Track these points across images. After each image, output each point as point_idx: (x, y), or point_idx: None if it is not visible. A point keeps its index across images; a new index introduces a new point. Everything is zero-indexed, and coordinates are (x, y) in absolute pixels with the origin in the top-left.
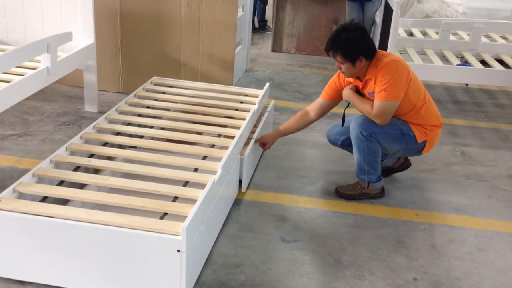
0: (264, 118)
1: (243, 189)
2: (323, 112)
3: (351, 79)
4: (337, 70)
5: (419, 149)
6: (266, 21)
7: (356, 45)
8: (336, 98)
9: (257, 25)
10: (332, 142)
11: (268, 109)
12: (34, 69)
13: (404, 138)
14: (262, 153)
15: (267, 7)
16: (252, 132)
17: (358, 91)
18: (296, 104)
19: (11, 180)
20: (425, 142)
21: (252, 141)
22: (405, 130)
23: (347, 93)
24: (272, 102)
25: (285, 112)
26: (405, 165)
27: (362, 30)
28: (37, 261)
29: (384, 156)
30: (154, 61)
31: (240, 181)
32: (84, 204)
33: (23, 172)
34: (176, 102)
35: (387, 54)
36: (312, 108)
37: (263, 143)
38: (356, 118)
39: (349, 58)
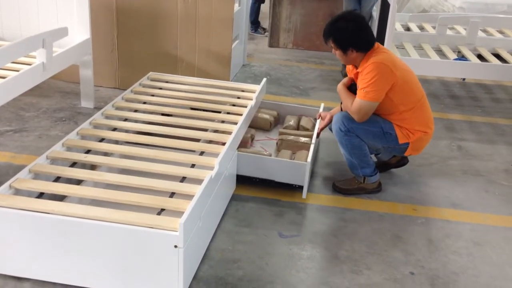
0: (318, 122)
1: (304, 195)
2: None
3: (350, 67)
4: (333, 63)
5: (401, 150)
6: (259, 22)
7: (347, 36)
8: None
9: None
10: (331, 130)
11: (321, 110)
12: (30, 64)
13: (385, 136)
14: (316, 159)
15: (262, 6)
16: (309, 136)
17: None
18: (293, 100)
19: (7, 176)
20: (407, 144)
21: (312, 146)
22: (386, 128)
23: (338, 86)
24: (322, 104)
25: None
26: (402, 161)
27: (359, 21)
28: (34, 257)
29: (378, 151)
30: (151, 57)
31: (301, 187)
32: (81, 200)
33: (19, 168)
34: (173, 98)
35: (381, 52)
36: None
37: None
38: (338, 114)
39: (339, 46)
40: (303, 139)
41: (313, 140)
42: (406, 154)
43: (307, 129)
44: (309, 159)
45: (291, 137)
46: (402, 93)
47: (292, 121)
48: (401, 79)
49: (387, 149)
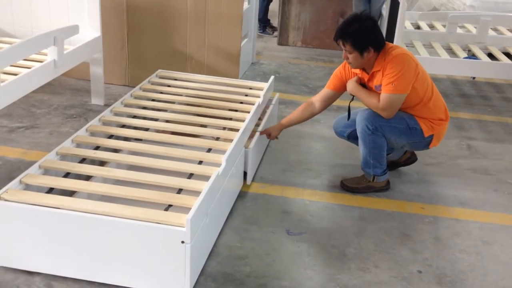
0: (268, 111)
1: (248, 181)
2: (328, 102)
3: (357, 71)
4: (343, 61)
5: (426, 143)
6: (269, 20)
7: (366, 35)
8: (341, 89)
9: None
10: (339, 134)
11: (273, 102)
12: (41, 62)
13: (411, 132)
14: (267, 146)
15: (271, 4)
16: (257, 125)
17: (362, 85)
18: (302, 98)
19: (18, 172)
20: (432, 136)
21: (257, 133)
22: (411, 124)
23: (351, 86)
24: (277, 95)
25: (291, 105)
26: (411, 159)
27: (373, 21)
28: (44, 252)
29: (390, 150)
30: (160, 54)
31: (245, 174)
32: (90, 196)
33: (31, 164)
34: (181, 95)
35: (396, 47)
36: (317, 98)
37: (268, 134)
38: (362, 111)
39: (358, 48)
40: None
41: (260, 128)
42: (430, 147)
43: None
44: (252, 145)
45: None
46: (422, 82)
47: None
48: (421, 68)
49: (412, 145)
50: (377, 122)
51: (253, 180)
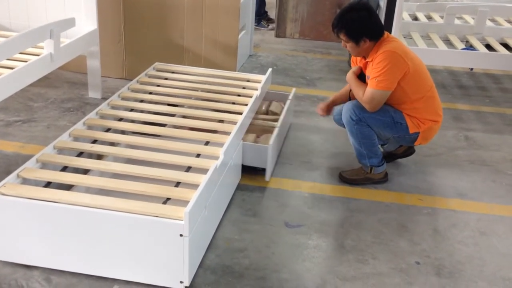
0: (286, 106)
1: (267, 178)
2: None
3: (357, 58)
4: (340, 53)
5: (411, 139)
6: (266, 12)
7: (360, 26)
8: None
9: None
10: (336, 121)
11: (290, 97)
12: (38, 55)
13: (396, 126)
14: (283, 142)
15: None
16: (275, 120)
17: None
18: (300, 90)
19: (16, 166)
20: (417, 133)
21: (276, 129)
22: (397, 118)
23: (348, 74)
24: (293, 90)
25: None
26: (409, 151)
27: (369, 10)
28: (42, 246)
29: (386, 141)
30: (158, 47)
31: (264, 170)
32: (88, 190)
33: (28, 158)
34: (178, 88)
35: (391, 41)
36: None
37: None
38: (348, 103)
39: (352, 38)
40: (269, 123)
41: (278, 124)
42: (415, 143)
43: (276, 114)
44: (271, 142)
45: (258, 121)
46: (414, 82)
47: (263, 107)
48: (412, 67)
49: (397, 139)
50: (360, 114)
51: (250, 173)
